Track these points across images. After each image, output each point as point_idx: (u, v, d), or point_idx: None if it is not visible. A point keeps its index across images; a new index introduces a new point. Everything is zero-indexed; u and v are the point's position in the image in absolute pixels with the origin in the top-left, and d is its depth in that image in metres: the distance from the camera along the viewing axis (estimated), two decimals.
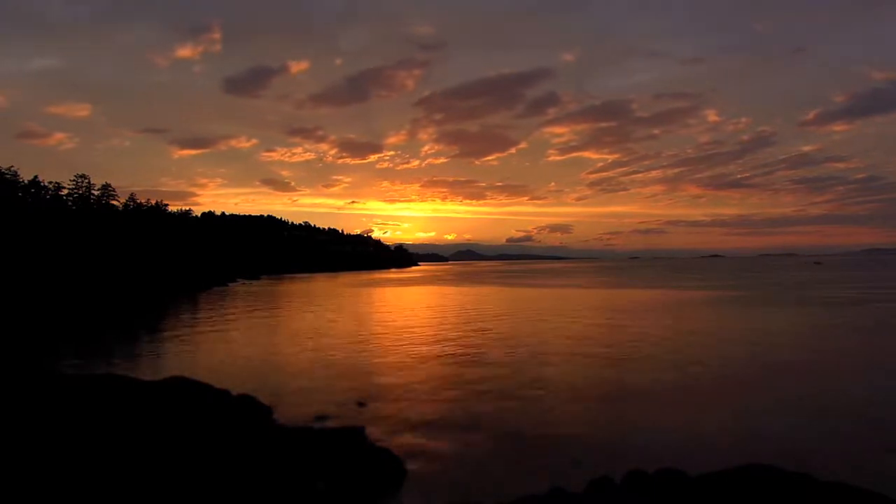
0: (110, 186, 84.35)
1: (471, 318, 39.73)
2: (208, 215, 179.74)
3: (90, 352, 26.01)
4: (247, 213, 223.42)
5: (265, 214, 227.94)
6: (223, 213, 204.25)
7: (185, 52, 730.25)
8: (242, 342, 29.21)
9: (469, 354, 24.19)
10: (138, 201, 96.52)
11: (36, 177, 70.96)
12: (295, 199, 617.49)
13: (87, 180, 79.85)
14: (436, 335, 30.59)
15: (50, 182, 73.91)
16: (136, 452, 8.97)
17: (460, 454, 11.94)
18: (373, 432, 12.27)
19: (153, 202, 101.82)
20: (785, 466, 8.52)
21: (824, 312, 39.95)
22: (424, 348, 26.11)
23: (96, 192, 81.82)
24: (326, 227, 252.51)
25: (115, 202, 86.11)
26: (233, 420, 11.86)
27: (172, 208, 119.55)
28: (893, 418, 14.37)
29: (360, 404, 15.87)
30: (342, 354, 24.55)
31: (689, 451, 11.75)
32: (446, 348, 25.95)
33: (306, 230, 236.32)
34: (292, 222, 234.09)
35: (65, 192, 76.85)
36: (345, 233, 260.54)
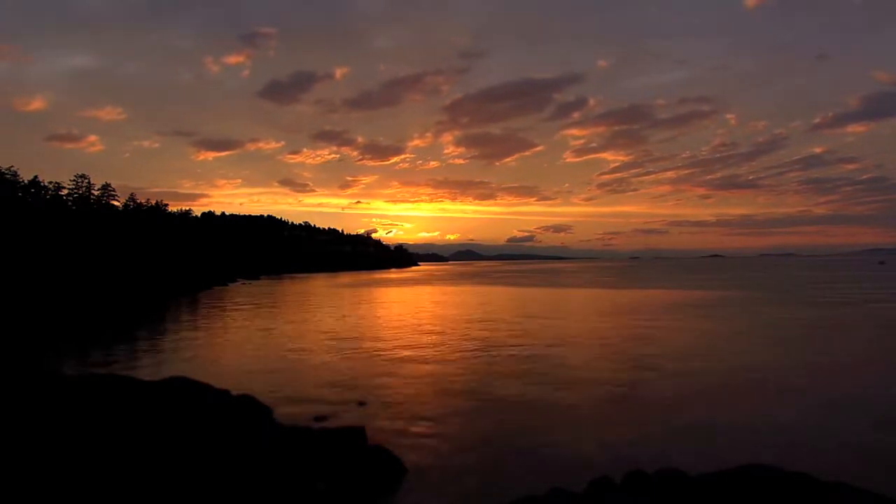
0: (110, 186, 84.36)
1: (471, 317, 39.72)
2: (208, 215, 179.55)
3: (90, 352, 26.03)
4: (248, 213, 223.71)
5: (265, 214, 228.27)
6: (223, 213, 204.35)
7: (228, 55, 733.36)
8: (242, 342, 29.19)
9: (469, 354, 24.19)
10: (138, 201, 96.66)
11: (36, 177, 70.91)
12: (301, 198, 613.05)
13: (86, 180, 79.83)
14: (435, 335, 30.57)
15: (50, 182, 73.93)
16: (136, 453, 8.97)
17: (460, 454, 11.94)
18: (373, 432, 12.26)
19: (153, 202, 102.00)
20: (785, 466, 8.51)
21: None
22: (423, 348, 26.09)
23: (96, 192, 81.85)
24: (327, 227, 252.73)
25: (115, 202, 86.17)
26: (233, 420, 11.85)
27: (173, 208, 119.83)
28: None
29: (360, 404, 15.87)
30: (342, 354, 24.54)
31: (689, 451, 11.75)
32: (445, 348, 25.94)
33: (306, 230, 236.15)
34: (292, 222, 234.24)
35: (65, 192, 76.87)
36: (346, 233, 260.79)
